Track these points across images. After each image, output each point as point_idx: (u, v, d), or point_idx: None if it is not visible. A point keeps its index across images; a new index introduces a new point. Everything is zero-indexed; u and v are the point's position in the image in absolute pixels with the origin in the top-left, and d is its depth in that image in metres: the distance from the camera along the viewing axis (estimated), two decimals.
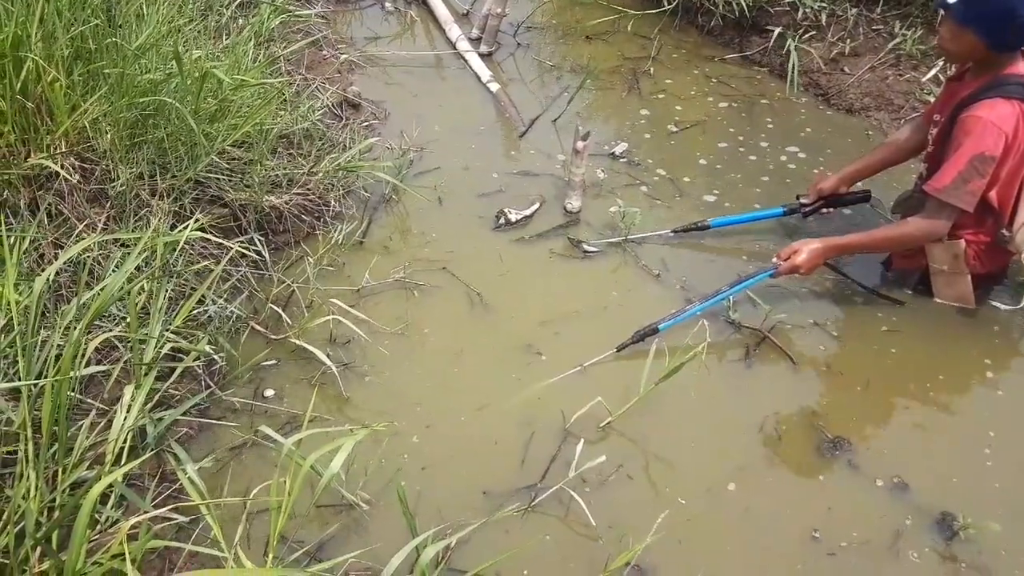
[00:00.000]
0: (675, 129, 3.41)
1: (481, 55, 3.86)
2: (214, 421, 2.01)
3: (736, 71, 3.86)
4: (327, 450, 1.49)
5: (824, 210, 2.76)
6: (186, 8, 3.01)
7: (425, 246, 2.72)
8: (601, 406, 2.12)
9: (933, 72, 3.47)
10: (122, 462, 1.71)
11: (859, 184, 2.76)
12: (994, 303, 2.53)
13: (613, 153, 3.24)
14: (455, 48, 3.90)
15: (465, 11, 4.26)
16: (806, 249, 2.37)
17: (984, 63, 2.29)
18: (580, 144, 2.80)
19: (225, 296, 2.27)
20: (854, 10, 3.76)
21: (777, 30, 3.80)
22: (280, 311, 2.32)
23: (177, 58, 2.34)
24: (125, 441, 1.74)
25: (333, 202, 2.76)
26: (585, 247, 2.74)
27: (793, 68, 3.60)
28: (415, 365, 2.28)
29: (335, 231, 2.64)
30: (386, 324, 2.38)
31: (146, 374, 1.79)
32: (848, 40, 3.71)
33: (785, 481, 2.04)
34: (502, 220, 2.83)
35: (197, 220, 2.25)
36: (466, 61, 3.82)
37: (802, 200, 2.76)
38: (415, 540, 1.52)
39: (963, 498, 1.99)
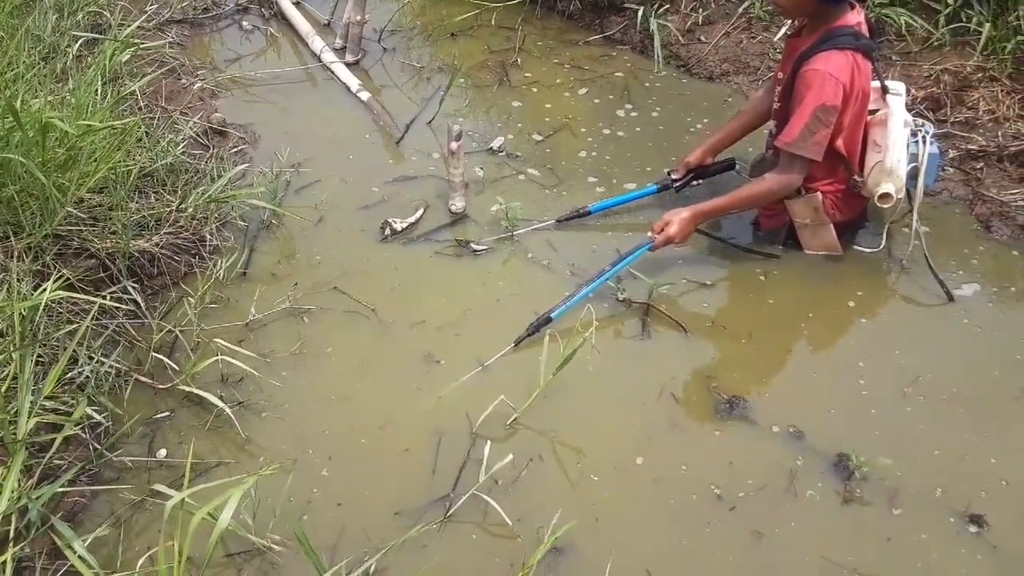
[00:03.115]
0: (547, 121, 3.44)
1: (347, 64, 3.80)
2: (103, 487, 1.91)
3: (600, 52, 3.92)
4: (218, 502, 1.45)
5: (694, 182, 2.86)
6: (20, 56, 2.85)
7: (312, 268, 2.67)
8: (505, 404, 2.14)
9: (783, 31, 3.62)
10: (8, 547, 1.62)
11: (728, 152, 2.87)
12: (857, 247, 2.67)
13: (491, 148, 3.25)
14: (320, 60, 3.82)
15: (326, 21, 4.18)
16: (676, 219, 2.48)
17: (816, 17, 2.40)
18: (454, 145, 2.79)
19: (101, 352, 2.17)
20: None
21: (633, 7, 3.89)
22: (164, 358, 2.23)
23: (13, 112, 2.21)
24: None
25: (209, 236, 2.66)
26: (473, 246, 2.74)
27: (656, 41, 3.70)
28: (314, 392, 2.24)
29: (214, 267, 2.56)
30: (279, 354, 2.33)
31: (16, 452, 1.69)
32: (701, 9, 3.83)
33: (687, 445, 2.11)
34: (387, 231, 2.80)
35: (61, 276, 2.14)
36: (333, 72, 3.75)
37: (672, 176, 2.85)
38: None
39: (849, 432, 2.12)
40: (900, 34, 3.44)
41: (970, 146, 3.03)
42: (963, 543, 1.87)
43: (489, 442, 2.04)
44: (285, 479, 1.96)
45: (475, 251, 2.73)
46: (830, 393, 2.24)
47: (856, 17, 2.38)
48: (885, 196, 2.44)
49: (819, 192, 2.52)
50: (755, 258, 2.65)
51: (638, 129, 3.36)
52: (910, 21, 3.40)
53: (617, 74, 3.73)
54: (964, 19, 3.32)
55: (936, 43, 3.37)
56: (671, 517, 1.94)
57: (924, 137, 2.49)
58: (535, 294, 2.54)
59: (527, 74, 3.75)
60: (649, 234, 2.51)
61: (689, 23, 3.81)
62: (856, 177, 2.52)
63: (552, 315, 2.38)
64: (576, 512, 1.90)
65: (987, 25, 3.21)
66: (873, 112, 2.51)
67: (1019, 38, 3.17)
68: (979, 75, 3.24)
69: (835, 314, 2.48)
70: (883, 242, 2.59)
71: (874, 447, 2.07)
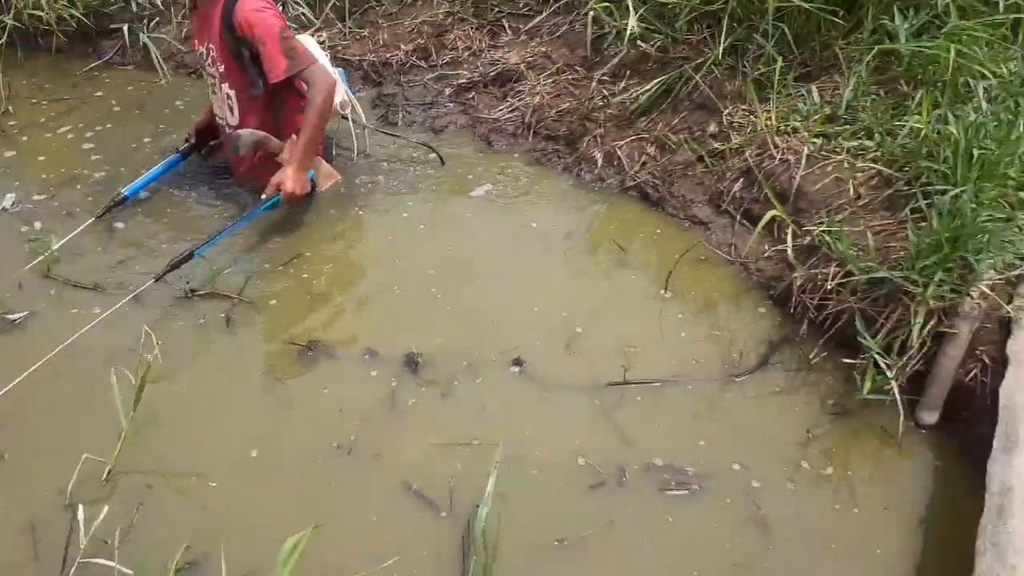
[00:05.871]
0: (54, 167, 3.18)
1: None
2: None
3: (103, 77, 3.73)
4: None
5: (212, 143, 3.00)
6: None
7: None
8: (92, 461, 1.99)
9: None
10: None
11: None
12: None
13: (4, 207, 2.92)
14: None
15: None
16: (287, 178, 2.61)
17: None
18: None
19: None
20: None
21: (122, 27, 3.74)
22: None
23: None
24: None
25: None
26: (9, 317, 2.46)
27: (154, 53, 3.62)
28: None
29: None
30: None
31: None
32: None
33: (296, 416, 2.20)
34: None
35: None
36: None
37: (191, 142, 2.95)
38: None
39: (416, 334, 2.40)
40: None
41: (460, 81, 3.49)
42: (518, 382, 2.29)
43: (82, 506, 1.88)
44: None
45: (14, 321, 2.45)
46: (406, 305, 2.54)
47: None
48: (343, 104, 2.79)
49: (294, 135, 2.72)
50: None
51: (144, 136, 3.31)
52: None
53: (131, 92, 3.60)
54: None
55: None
56: (295, 490, 2.01)
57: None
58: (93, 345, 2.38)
59: (26, 117, 3.40)
60: (266, 195, 2.64)
61: (184, 31, 3.77)
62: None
63: (195, 252, 2.51)
64: (204, 526, 1.88)
65: None
66: None
67: None
68: (450, 19, 3.73)
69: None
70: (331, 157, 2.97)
71: (435, 335, 2.41)
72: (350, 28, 3.72)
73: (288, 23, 2.75)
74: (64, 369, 2.30)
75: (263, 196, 2.65)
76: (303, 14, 3.73)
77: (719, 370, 2.35)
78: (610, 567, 1.88)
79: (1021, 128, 2.45)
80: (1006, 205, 2.35)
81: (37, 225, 2.85)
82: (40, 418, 2.18)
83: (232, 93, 2.70)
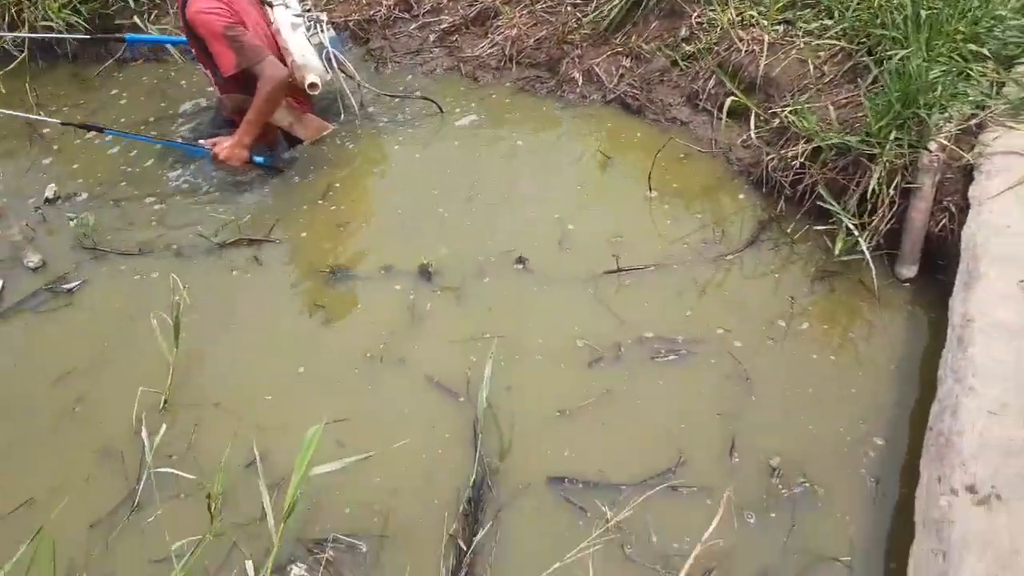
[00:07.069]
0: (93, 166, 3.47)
1: None
2: None
3: (118, 75, 3.98)
4: None
5: None
6: None
7: None
8: (148, 393, 2.28)
9: None
10: None
11: None
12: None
13: (47, 198, 3.21)
14: None
15: None
16: (222, 144, 2.90)
17: None
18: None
19: None
20: None
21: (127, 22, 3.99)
22: None
23: None
24: None
25: None
26: (66, 287, 2.76)
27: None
28: None
29: None
30: None
31: None
32: None
33: (334, 328, 2.46)
34: None
35: None
36: None
37: None
38: None
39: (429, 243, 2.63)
40: None
41: (443, 26, 3.66)
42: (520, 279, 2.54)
43: (145, 430, 2.15)
44: None
45: (70, 289, 2.76)
46: (414, 224, 2.78)
47: None
48: (312, 85, 2.95)
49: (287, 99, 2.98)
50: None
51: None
52: None
53: (127, 90, 3.85)
54: None
55: None
56: (336, 396, 2.26)
57: (320, 29, 3.05)
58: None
59: (47, 129, 3.64)
60: (203, 142, 2.96)
61: None
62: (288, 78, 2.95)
63: (106, 130, 3.01)
64: (256, 434, 2.12)
65: None
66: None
67: None
68: None
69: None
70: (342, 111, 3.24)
71: (443, 246, 2.66)
72: None
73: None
74: (118, 324, 2.60)
75: (200, 141, 2.97)
76: None
77: (705, 251, 2.54)
78: (606, 427, 2.11)
79: None
80: (959, 59, 2.45)
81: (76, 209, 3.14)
82: (102, 367, 2.47)
83: (208, 73, 3.01)
